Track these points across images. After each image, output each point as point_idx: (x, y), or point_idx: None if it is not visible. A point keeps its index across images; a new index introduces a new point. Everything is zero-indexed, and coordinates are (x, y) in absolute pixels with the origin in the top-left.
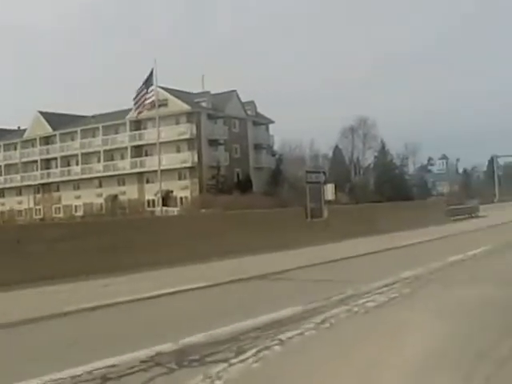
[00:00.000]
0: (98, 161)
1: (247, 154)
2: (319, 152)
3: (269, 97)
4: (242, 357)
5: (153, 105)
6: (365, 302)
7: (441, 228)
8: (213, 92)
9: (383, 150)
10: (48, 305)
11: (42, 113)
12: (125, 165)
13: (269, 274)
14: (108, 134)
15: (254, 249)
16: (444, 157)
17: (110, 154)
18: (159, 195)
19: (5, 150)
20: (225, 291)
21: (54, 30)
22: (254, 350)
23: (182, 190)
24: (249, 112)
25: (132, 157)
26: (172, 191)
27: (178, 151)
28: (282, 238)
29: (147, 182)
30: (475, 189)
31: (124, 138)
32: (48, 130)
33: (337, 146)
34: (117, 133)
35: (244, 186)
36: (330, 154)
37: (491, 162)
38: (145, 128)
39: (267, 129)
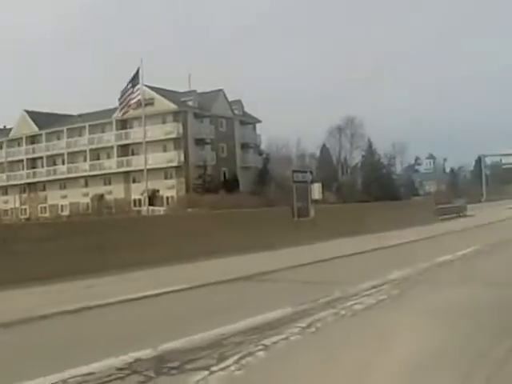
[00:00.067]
0: (84, 160)
1: (234, 153)
2: (306, 151)
3: (256, 96)
4: (223, 364)
5: (139, 104)
6: (352, 305)
7: (428, 227)
8: (199, 91)
9: (370, 150)
10: (26, 307)
11: (28, 112)
12: (111, 164)
13: (255, 275)
14: (94, 133)
15: (241, 248)
16: (431, 156)
17: (96, 153)
18: (145, 195)
19: None
20: (209, 293)
21: (44, 28)
22: (236, 357)
23: (169, 189)
24: (236, 111)
25: (118, 156)
26: (158, 190)
27: (165, 150)
28: (268, 238)
29: (133, 181)
30: (462, 188)
31: (110, 137)
32: (34, 129)
33: (324, 146)
34: (103, 132)
35: (231, 185)
36: (318, 153)
37: (478, 161)
38: (131, 127)
39: (254, 128)
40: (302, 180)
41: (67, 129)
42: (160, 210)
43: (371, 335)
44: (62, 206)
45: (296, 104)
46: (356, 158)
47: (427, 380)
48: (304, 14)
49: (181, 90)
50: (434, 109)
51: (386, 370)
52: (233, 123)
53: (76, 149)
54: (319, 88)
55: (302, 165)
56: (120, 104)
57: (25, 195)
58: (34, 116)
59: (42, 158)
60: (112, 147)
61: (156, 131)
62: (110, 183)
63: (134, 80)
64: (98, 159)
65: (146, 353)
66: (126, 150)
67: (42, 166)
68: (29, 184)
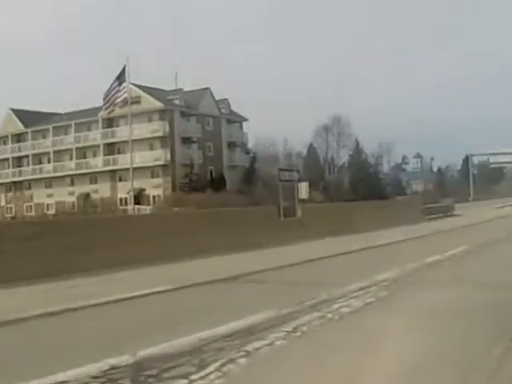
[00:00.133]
0: (70, 158)
1: (221, 152)
2: (293, 150)
3: (243, 96)
4: (203, 372)
5: (125, 102)
6: (339, 308)
7: (416, 227)
8: (186, 89)
9: (357, 149)
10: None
11: (13, 110)
12: (97, 163)
13: (240, 276)
14: (80, 131)
15: (228, 248)
16: (418, 155)
17: (82, 152)
18: (131, 193)
19: None
20: (193, 294)
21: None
22: (217, 364)
23: (155, 188)
24: (222, 110)
25: (104, 154)
26: (144, 189)
27: (151, 149)
28: (255, 237)
29: (120, 180)
30: (449, 187)
31: (96, 136)
32: (20, 127)
33: (311, 145)
34: (89, 130)
35: (217, 184)
36: (305, 152)
37: (465, 160)
38: (117, 125)
39: (241, 127)
40: (289, 179)
41: (53, 127)
42: (146, 208)
43: (359, 340)
44: (47, 204)
45: (283, 103)
46: (343, 157)
47: None
48: (292, 13)
49: (168, 89)
50: (421, 108)
51: (374, 376)
52: (220, 122)
53: (62, 147)
54: (306, 87)
55: (289, 164)
56: (105, 102)
57: (10, 194)
58: (20, 114)
59: (27, 156)
60: (98, 146)
61: (142, 130)
62: (96, 182)
63: (121, 78)
64: (84, 158)
65: (123, 359)
66: (112, 148)
67: (28, 165)
68: (14, 182)
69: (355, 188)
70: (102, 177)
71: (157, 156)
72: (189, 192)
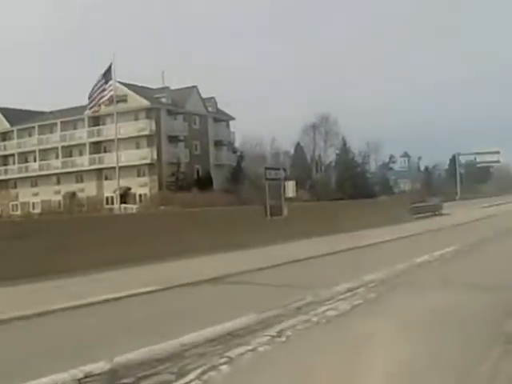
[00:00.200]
0: (56, 157)
1: (207, 150)
2: (280, 149)
3: (230, 94)
4: (183, 380)
5: (111, 100)
6: (325, 311)
7: (404, 226)
8: (173, 88)
9: (345, 148)
10: None
11: None
12: (83, 161)
13: (224, 277)
14: (66, 129)
15: (213, 247)
16: (405, 154)
17: (68, 151)
18: (117, 192)
19: None
20: (176, 296)
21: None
22: (198, 371)
23: (142, 186)
24: (209, 108)
25: (90, 153)
26: (130, 188)
27: (138, 148)
28: (241, 237)
29: (106, 178)
30: (437, 187)
31: (82, 134)
32: (5, 125)
33: (298, 144)
34: (75, 129)
35: (204, 183)
36: (292, 151)
37: (453, 160)
38: (103, 124)
39: (228, 125)
40: (275, 177)
41: (39, 125)
42: (133, 207)
43: (345, 346)
44: (33, 203)
45: (271, 102)
46: (330, 156)
47: None
48: (282, 11)
49: (154, 87)
50: (408, 108)
51: None
52: (206, 120)
53: (48, 146)
54: (294, 86)
55: (277, 163)
56: (90, 101)
57: None
58: (6, 112)
59: (13, 155)
60: (84, 144)
61: (129, 128)
62: (82, 181)
63: (106, 76)
64: (70, 156)
65: (98, 366)
66: (98, 147)
67: (14, 163)
68: (0, 181)
69: (342, 187)
70: (88, 175)
71: (143, 155)
72: (175, 191)
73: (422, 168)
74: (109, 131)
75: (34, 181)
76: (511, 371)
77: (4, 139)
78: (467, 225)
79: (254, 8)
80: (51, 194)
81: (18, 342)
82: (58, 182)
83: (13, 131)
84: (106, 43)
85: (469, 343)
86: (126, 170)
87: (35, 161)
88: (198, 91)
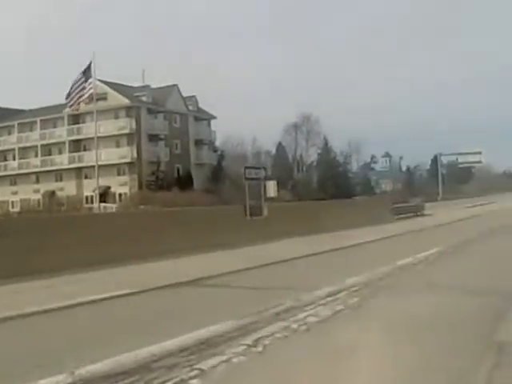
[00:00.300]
0: (36, 155)
1: (188, 149)
2: (262, 149)
3: (212, 93)
4: None
5: (91, 98)
6: (306, 317)
7: (386, 227)
8: (154, 86)
9: (326, 147)
10: None
11: None
12: (63, 160)
13: (202, 279)
14: (46, 128)
15: (193, 248)
16: (387, 155)
17: (47, 149)
18: (97, 191)
19: None
20: (150, 300)
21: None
22: None
23: (121, 186)
24: (190, 107)
25: (70, 151)
26: (110, 187)
27: (118, 146)
28: (221, 237)
29: (86, 177)
30: (418, 187)
31: (62, 132)
32: None
33: (280, 143)
34: (55, 127)
35: (184, 182)
36: (273, 151)
37: (434, 160)
38: (83, 122)
39: (209, 124)
40: (255, 177)
41: (18, 124)
42: (112, 207)
43: (326, 356)
44: (12, 202)
45: (252, 102)
46: (312, 155)
47: None
48: (262, 11)
49: (135, 85)
50: (390, 108)
51: None
52: (187, 119)
53: (27, 144)
54: (277, 86)
55: (258, 162)
56: (70, 99)
57: None
58: None
59: None
60: (64, 142)
61: (109, 126)
62: (61, 179)
63: (86, 74)
64: (50, 155)
65: (59, 379)
66: (78, 145)
67: None
68: None
69: (324, 187)
70: (68, 174)
71: (123, 153)
72: (155, 190)
73: (404, 168)
74: (89, 129)
75: (13, 179)
76: None
77: None
78: (450, 225)
79: (242, 7)
80: (30, 193)
81: None
82: (38, 181)
83: None
84: (88, 42)
85: (457, 354)
86: (105, 168)
87: (14, 159)
88: (179, 90)
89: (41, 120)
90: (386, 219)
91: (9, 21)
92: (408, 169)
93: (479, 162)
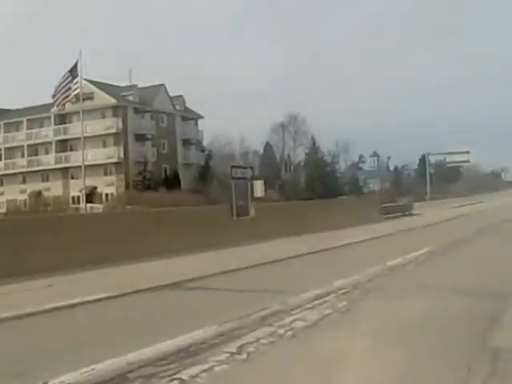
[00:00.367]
0: (22, 156)
1: (175, 149)
2: (250, 149)
3: (199, 93)
4: None
5: (77, 98)
6: (292, 321)
7: (374, 227)
8: (141, 86)
9: (314, 147)
10: None
11: None
12: (49, 160)
13: (185, 282)
14: (32, 127)
15: (179, 249)
16: (375, 154)
17: (34, 149)
18: (83, 192)
19: None
20: (131, 304)
21: None
22: None
23: (108, 186)
24: (177, 107)
25: (57, 151)
26: (96, 187)
27: (104, 146)
28: (208, 238)
29: (72, 177)
30: (406, 187)
31: (48, 132)
32: None
33: (267, 143)
34: (41, 127)
35: (172, 182)
36: (261, 150)
37: (422, 160)
38: (70, 122)
39: (196, 124)
40: (242, 176)
41: (4, 123)
42: (99, 207)
43: (314, 364)
44: None
45: (241, 102)
46: (299, 155)
47: None
48: (247, 11)
49: (122, 85)
50: (378, 108)
51: None
52: (174, 119)
53: (13, 144)
54: (265, 86)
55: (246, 162)
56: (56, 98)
57: None
58: None
59: None
60: (50, 142)
61: (95, 126)
62: (47, 180)
63: (73, 73)
64: (36, 155)
65: None
66: (64, 145)
67: None
68: None
69: (312, 186)
70: (54, 174)
71: (110, 153)
72: (142, 190)
73: (392, 168)
74: (75, 129)
75: (0, 180)
76: None
77: None
78: (438, 225)
79: (229, 6)
80: (17, 193)
81: None
82: (24, 181)
83: None
84: (74, 41)
85: (451, 361)
86: (92, 168)
87: (0, 159)
88: (166, 89)
89: (27, 120)
90: (374, 219)
91: None
92: (396, 168)
93: (467, 161)
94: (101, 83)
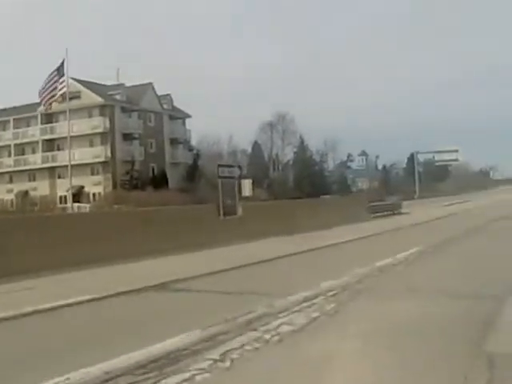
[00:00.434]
0: (9, 155)
1: (163, 148)
2: (238, 148)
3: (187, 92)
4: None
5: (64, 97)
6: (279, 325)
7: (363, 226)
8: (128, 84)
9: (302, 146)
10: None
11: None
12: (36, 159)
13: (172, 282)
14: (19, 127)
15: (165, 249)
16: (363, 153)
17: (20, 148)
18: (70, 191)
19: None
20: (111, 307)
21: None
22: None
23: (95, 185)
24: (165, 106)
25: (44, 151)
26: (83, 187)
27: (91, 145)
28: (194, 237)
29: (59, 177)
30: (395, 185)
31: (35, 132)
32: None
33: (256, 142)
34: (28, 126)
35: (159, 181)
36: (249, 149)
37: (411, 158)
38: (57, 121)
39: (184, 123)
40: (229, 175)
41: None
42: (86, 207)
43: (301, 371)
44: None
45: (229, 101)
46: (288, 154)
47: None
48: (247, 11)
49: (109, 84)
50: (367, 106)
51: None
52: (162, 118)
53: (0, 143)
54: (254, 85)
55: (234, 161)
56: (42, 97)
57: None
58: None
59: None
60: (37, 142)
61: (82, 125)
62: (34, 179)
63: (59, 72)
64: (23, 154)
65: None
66: (51, 144)
67: None
68: None
69: (300, 185)
70: (41, 174)
71: (97, 153)
72: (129, 190)
73: (380, 167)
74: (62, 129)
75: None
76: None
77: None
78: (428, 224)
79: (217, 6)
80: (3, 193)
81: None
82: (11, 181)
83: None
84: (60, 41)
85: (445, 368)
86: (79, 168)
87: None
88: (154, 88)
89: (14, 119)
90: (362, 218)
91: None
92: (384, 167)
93: (456, 160)
94: (88, 82)
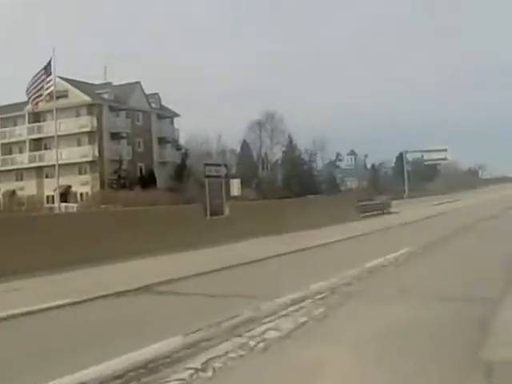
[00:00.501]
0: None
1: (151, 148)
2: (227, 147)
3: (176, 91)
4: None
5: (51, 96)
6: (265, 331)
7: (352, 225)
8: (116, 83)
9: (291, 145)
10: None
11: None
12: (23, 159)
13: (154, 285)
14: (6, 126)
15: (152, 249)
16: (352, 152)
17: (7, 148)
18: (57, 191)
19: None
20: (91, 312)
21: None
22: None
23: (83, 185)
24: (153, 105)
25: (31, 150)
26: (71, 186)
27: (79, 145)
28: (181, 238)
29: (46, 176)
30: (384, 185)
31: (22, 131)
32: None
33: (244, 141)
34: (15, 125)
35: (147, 181)
36: (238, 149)
37: (400, 157)
38: (44, 120)
39: (172, 122)
40: (216, 174)
41: None
42: (73, 206)
43: (287, 381)
44: None
45: (217, 100)
46: (277, 153)
47: None
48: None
49: (97, 83)
50: (355, 105)
51: None
52: (150, 117)
53: None
54: (242, 84)
55: (222, 160)
56: (28, 96)
57: None
58: None
59: None
60: (24, 141)
61: (70, 124)
62: (21, 179)
63: (47, 70)
64: (10, 154)
65: None
66: (39, 144)
67: None
68: None
69: (289, 185)
70: (28, 173)
71: (84, 152)
72: (117, 189)
73: (369, 166)
74: (49, 128)
75: None
76: None
77: None
78: (417, 223)
79: (203, 7)
80: None
81: None
82: None
83: None
84: (49, 39)
85: (436, 371)
86: (66, 167)
87: None
88: (142, 87)
89: (1, 118)
90: (351, 217)
91: None
92: (373, 166)
93: (445, 159)
94: (75, 81)
